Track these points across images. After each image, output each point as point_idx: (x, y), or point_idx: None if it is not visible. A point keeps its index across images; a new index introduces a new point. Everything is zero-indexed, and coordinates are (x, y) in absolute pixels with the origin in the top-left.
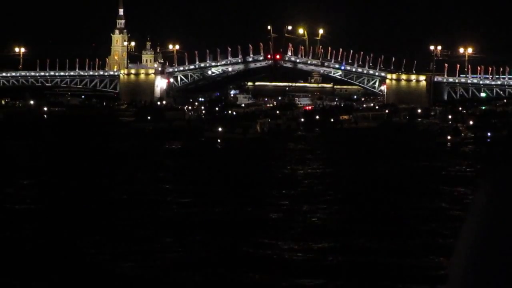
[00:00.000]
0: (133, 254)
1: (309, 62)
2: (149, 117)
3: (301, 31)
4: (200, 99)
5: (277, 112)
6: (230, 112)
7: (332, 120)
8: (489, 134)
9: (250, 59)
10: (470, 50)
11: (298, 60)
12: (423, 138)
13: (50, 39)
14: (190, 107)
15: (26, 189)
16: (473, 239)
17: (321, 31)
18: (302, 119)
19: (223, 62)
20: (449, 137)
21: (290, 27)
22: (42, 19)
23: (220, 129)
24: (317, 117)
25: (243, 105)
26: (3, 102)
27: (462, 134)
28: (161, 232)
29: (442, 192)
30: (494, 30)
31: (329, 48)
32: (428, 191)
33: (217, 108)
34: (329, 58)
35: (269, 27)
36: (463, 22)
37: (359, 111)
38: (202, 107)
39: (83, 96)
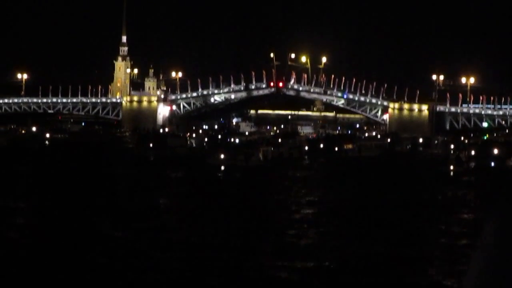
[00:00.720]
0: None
1: (311, 90)
2: (151, 145)
3: (304, 59)
4: (204, 126)
5: (279, 140)
6: (232, 139)
7: (336, 149)
8: (492, 164)
9: (253, 87)
10: (472, 80)
11: (301, 88)
12: (426, 167)
13: (53, 66)
14: (193, 134)
15: (24, 214)
16: (484, 267)
17: (324, 59)
18: (306, 147)
19: (226, 90)
20: (451, 167)
21: (293, 55)
22: (45, 45)
23: (222, 156)
24: (322, 145)
25: (246, 133)
26: (7, 128)
27: (465, 164)
28: (167, 255)
29: (447, 220)
30: (496, 60)
31: (332, 76)
32: (434, 220)
33: (219, 136)
34: (331, 86)
35: (272, 55)
36: (466, 52)
37: (362, 140)
38: (204, 135)
39: (83, 123)
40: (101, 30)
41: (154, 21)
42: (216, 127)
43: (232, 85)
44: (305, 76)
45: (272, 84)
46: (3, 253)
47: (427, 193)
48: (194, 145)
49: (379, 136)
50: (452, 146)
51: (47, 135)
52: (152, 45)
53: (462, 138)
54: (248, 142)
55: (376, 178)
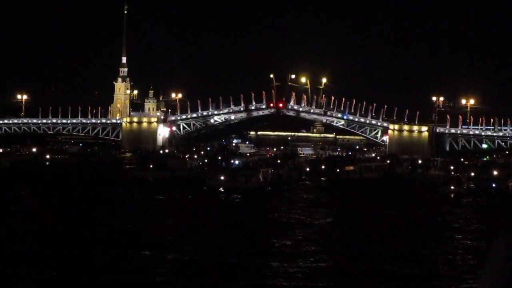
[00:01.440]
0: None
1: (311, 111)
2: (150, 166)
3: (303, 79)
4: (208, 148)
5: (278, 161)
6: (233, 161)
7: (338, 170)
8: (493, 185)
9: (253, 107)
10: (472, 101)
11: (301, 109)
12: (426, 188)
13: (53, 87)
14: (193, 156)
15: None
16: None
17: (324, 80)
18: (308, 169)
19: (226, 111)
20: (452, 188)
21: (293, 76)
22: (45, 66)
23: (222, 177)
24: (323, 167)
25: (248, 154)
26: (10, 148)
27: (465, 185)
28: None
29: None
30: (496, 82)
31: (332, 97)
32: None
33: (219, 157)
34: (331, 107)
35: (271, 76)
36: (466, 74)
37: (362, 162)
38: (204, 156)
39: (80, 144)
40: (101, 51)
41: (154, 42)
42: (215, 148)
43: (232, 106)
44: (305, 96)
45: (272, 104)
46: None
47: (429, 214)
48: (193, 166)
49: (378, 158)
50: (451, 167)
51: (47, 156)
52: (152, 66)
53: (462, 159)
54: (248, 163)
55: (378, 199)
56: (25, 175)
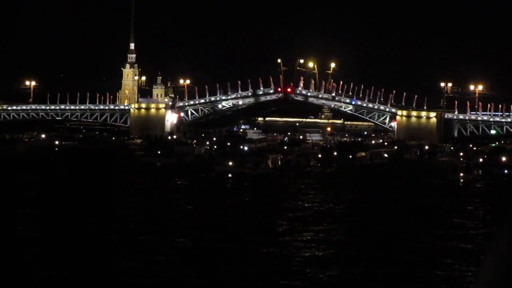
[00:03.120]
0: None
1: (320, 96)
2: (159, 152)
3: (311, 64)
4: (216, 133)
5: (285, 147)
6: (242, 147)
7: (350, 156)
8: (505, 171)
9: (261, 92)
10: (480, 87)
11: (309, 94)
12: (435, 175)
13: (61, 73)
14: (200, 142)
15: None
16: (491, 279)
17: (332, 65)
18: (320, 155)
19: (233, 96)
20: (461, 174)
21: (302, 61)
22: (53, 53)
23: (231, 163)
24: (335, 153)
25: (256, 140)
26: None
27: (475, 172)
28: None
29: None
30: (504, 67)
31: (341, 82)
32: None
33: (229, 143)
34: (340, 92)
35: (279, 60)
36: (474, 60)
37: (372, 148)
38: (213, 142)
39: (84, 130)
40: (109, 37)
41: (161, 29)
42: (224, 134)
43: (240, 91)
44: (313, 81)
45: (279, 89)
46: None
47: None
48: (202, 152)
49: (386, 144)
50: (460, 154)
51: (56, 142)
52: (160, 52)
53: (471, 145)
54: (257, 149)
55: (391, 186)
56: (40, 161)
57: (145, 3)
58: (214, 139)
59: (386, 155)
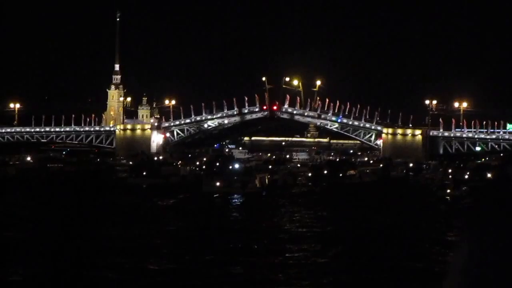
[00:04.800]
0: None
1: (306, 114)
2: (144, 173)
3: (296, 82)
4: (202, 153)
5: (269, 167)
6: (231, 167)
7: (340, 175)
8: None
9: (246, 111)
10: (465, 104)
11: (295, 112)
12: (424, 192)
13: (46, 95)
14: (187, 162)
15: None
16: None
17: (318, 82)
18: (310, 174)
19: (219, 115)
20: (448, 191)
21: (288, 78)
22: (38, 75)
23: (218, 184)
24: (325, 171)
25: (243, 159)
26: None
27: (463, 188)
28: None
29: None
30: (489, 84)
31: (327, 100)
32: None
33: (217, 164)
34: (326, 109)
35: (263, 79)
36: (458, 77)
37: (361, 166)
38: (198, 162)
39: (64, 152)
40: (94, 58)
41: (146, 49)
42: (210, 154)
43: (225, 110)
44: (299, 99)
45: (265, 107)
46: None
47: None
48: (187, 172)
49: (371, 162)
50: (445, 170)
51: (49, 165)
52: (145, 73)
53: (457, 162)
54: (246, 168)
55: (378, 203)
56: (31, 183)
57: (130, 24)
58: (205, 159)
59: (368, 171)
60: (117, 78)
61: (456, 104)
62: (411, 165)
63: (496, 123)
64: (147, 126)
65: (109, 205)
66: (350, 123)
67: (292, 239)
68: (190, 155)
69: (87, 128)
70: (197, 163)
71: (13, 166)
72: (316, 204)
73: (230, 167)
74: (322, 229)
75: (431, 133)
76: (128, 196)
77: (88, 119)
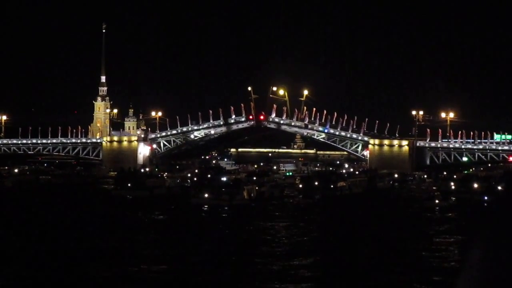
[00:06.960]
0: None
1: (293, 123)
2: (129, 185)
3: (282, 92)
4: (189, 164)
5: (254, 178)
6: (220, 178)
7: (332, 186)
8: (485, 198)
9: (232, 121)
10: (451, 115)
11: (282, 122)
12: (412, 203)
13: (32, 107)
14: (173, 173)
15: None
16: None
17: (305, 92)
18: (301, 185)
19: (205, 126)
20: (437, 201)
21: (274, 88)
22: (24, 87)
23: (206, 195)
24: (316, 183)
25: (230, 171)
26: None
27: (453, 199)
28: None
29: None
30: (475, 95)
31: (313, 110)
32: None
33: (208, 175)
34: (313, 119)
35: (249, 88)
36: (445, 88)
37: (348, 178)
38: (186, 174)
39: (45, 164)
40: (80, 70)
41: (132, 61)
42: (197, 165)
43: (211, 121)
44: (285, 109)
45: (251, 117)
46: None
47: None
48: (173, 184)
49: (357, 173)
50: (430, 181)
51: (41, 177)
52: (131, 84)
53: (444, 173)
54: (234, 180)
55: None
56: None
57: (116, 35)
58: (196, 171)
59: (360, 184)
60: (103, 89)
61: (443, 115)
62: (396, 176)
63: (483, 133)
64: (134, 138)
65: (94, 216)
66: (337, 133)
67: (290, 251)
68: (178, 167)
69: (73, 140)
70: (188, 174)
71: (9, 179)
72: (314, 217)
73: (221, 178)
74: (319, 242)
75: (418, 144)
76: (112, 208)
77: (74, 131)
